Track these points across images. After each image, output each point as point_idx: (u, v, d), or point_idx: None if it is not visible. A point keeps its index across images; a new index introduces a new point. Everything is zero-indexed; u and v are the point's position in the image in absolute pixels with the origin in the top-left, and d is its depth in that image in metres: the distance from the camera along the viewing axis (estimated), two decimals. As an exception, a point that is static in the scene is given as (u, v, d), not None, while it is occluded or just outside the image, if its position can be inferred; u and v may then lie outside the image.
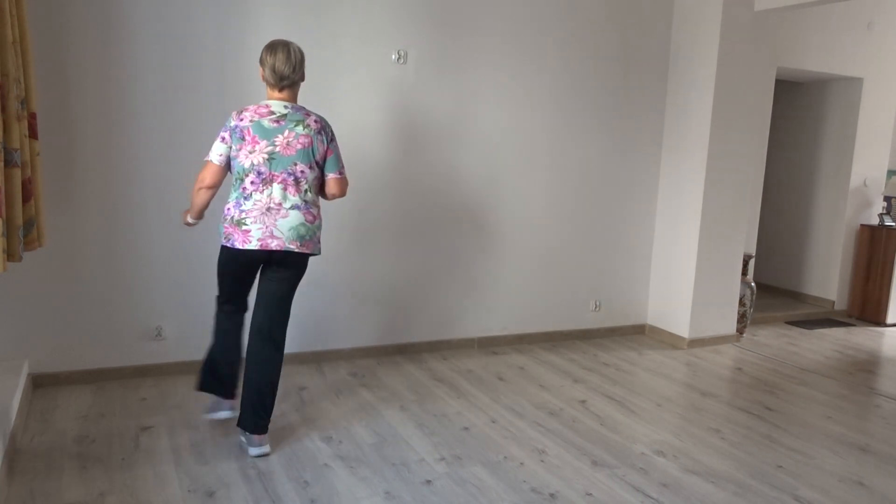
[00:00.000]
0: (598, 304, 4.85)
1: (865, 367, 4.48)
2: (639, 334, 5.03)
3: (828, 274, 6.07)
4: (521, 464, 2.82)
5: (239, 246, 2.69)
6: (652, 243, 4.99)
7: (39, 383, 3.43)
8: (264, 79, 2.75)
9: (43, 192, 3.28)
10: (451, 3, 4.05)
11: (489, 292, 4.47)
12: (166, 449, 2.81)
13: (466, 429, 3.16)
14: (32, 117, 2.86)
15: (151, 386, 3.52)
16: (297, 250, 2.75)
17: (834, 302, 6.00)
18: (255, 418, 2.78)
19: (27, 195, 2.77)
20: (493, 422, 3.26)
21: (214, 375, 3.01)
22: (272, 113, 2.71)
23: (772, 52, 5.17)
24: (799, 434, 3.28)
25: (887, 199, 6.09)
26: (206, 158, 2.76)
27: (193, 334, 3.71)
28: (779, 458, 3.00)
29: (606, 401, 3.61)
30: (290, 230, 2.71)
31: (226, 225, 2.73)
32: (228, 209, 2.73)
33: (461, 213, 4.29)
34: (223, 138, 2.72)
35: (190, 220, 2.93)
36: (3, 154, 2.40)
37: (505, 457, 2.88)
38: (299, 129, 2.72)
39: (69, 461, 2.68)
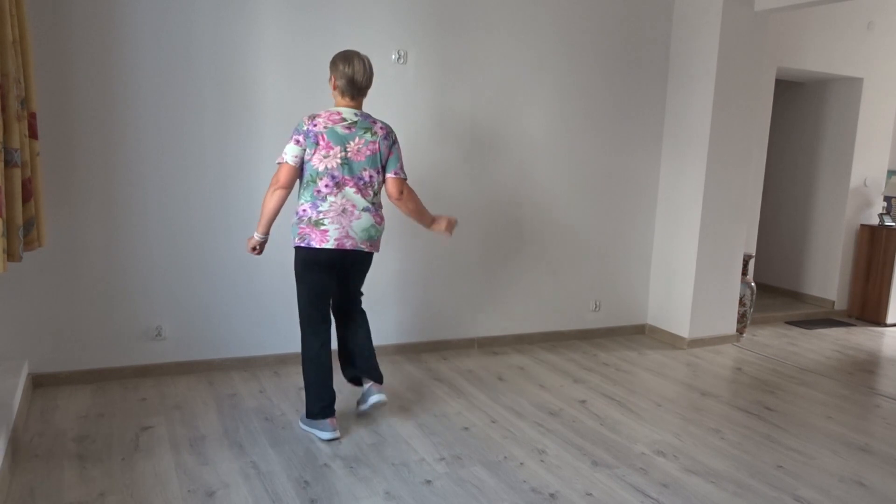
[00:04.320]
0: (598, 304, 4.85)
1: (865, 367, 4.48)
2: (639, 334, 5.03)
3: (828, 274, 6.07)
4: (521, 464, 2.82)
5: (316, 245, 2.83)
6: (652, 243, 4.99)
7: (39, 383, 3.43)
8: (336, 87, 2.88)
9: (43, 192, 3.28)
10: (450, 3, 4.05)
11: (489, 292, 4.47)
12: (166, 449, 2.81)
13: (466, 429, 3.16)
14: (32, 117, 2.86)
15: (151, 386, 3.52)
16: (366, 250, 2.96)
17: (834, 302, 6.00)
18: (378, 369, 3.15)
19: (27, 195, 2.77)
20: (493, 422, 3.26)
21: (323, 399, 2.99)
22: (344, 120, 2.85)
23: (772, 52, 5.17)
24: (799, 434, 3.28)
25: (887, 199, 6.09)
26: (279, 161, 2.83)
27: (193, 334, 3.71)
28: (779, 458, 3.00)
29: (606, 401, 3.61)
30: (362, 231, 2.89)
31: (301, 226, 2.85)
32: (304, 210, 2.84)
33: (460, 212, 4.28)
34: (297, 141, 2.81)
35: (258, 237, 2.91)
36: (3, 154, 2.40)
37: (505, 457, 2.88)
38: (368, 135, 2.88)
39: (69, 461, 2.68)
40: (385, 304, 4.16)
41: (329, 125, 2.82)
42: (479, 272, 4.41)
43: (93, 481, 2.53)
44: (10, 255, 2.63)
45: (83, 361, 3.51)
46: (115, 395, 3.39)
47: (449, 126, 4.17)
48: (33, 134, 2.87)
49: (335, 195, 2.83)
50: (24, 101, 2.75)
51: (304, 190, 2.87)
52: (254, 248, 2.95)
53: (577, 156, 4.59)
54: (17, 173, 2.59)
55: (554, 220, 4.59)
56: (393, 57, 3.95)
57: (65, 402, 3.27)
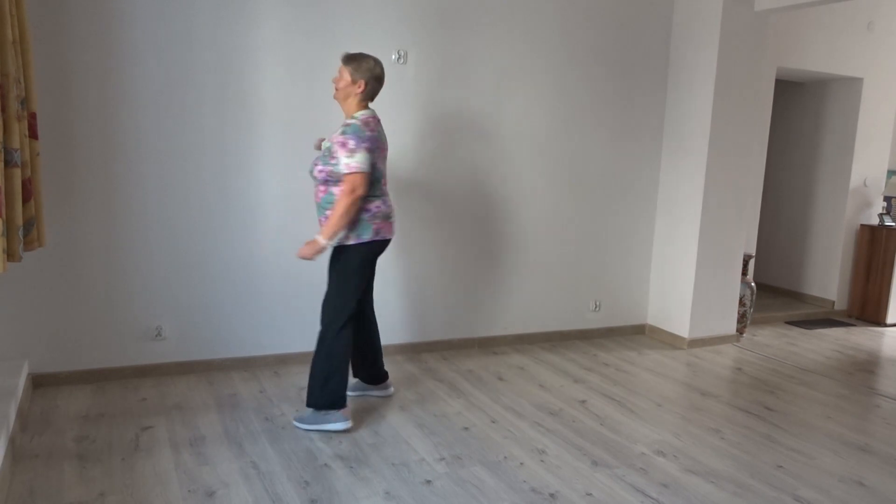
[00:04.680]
0: (598, 304, 4.85)
1: (865, 367, 4.48)
2: (639, 334, 5.03)
3: (828, 274, 6.07)
4: (521, 464, 2.82)
5: (389, 236, 3.10)
6: (652, 243, 4.99)
7: (39, 383, 3.43)
8: (364, 88, 2.97)
9: (43, 192, 3.28)
10: (450, 3, 4.05)
11: (489, 292, 4.46)
12: (166, 449, 2.81)
13: (466, 429, 3.16)
14: (32, 117, 2.86)
15: (151, 386, 3.53)
16: None
17: (834, 302, 6.00)
18: (383, 367, 3.48)
19: (27, 195, 2.77)
20: (493, 422, 3.26)
21: (342, 389, 3.06)
22: (379, 122, 3.07)
23: (772, 52, 5.17)
24: (799, 434, 3.28)
25: (887, 199, 6.09)
26: (355, 170, 2.87)
27: (193, 334, 3.71)
28: (779, 458, 3.00)
29: (606, 401, 3.61)
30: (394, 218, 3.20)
31: (377, 221, 3.02)
32: (377, 207, 3.03)
33: (460, 213, 4.28)
34: (368, 149, 2.91)
35: (326, 242, 2.91)
36: (3, 154, 2.40)
37: (505, 457, 2.88)
38: (384, 133, 3.16)
39: (69, 461, 2.68)
40: (385, 304, 4.15)
41: (379, 129, 3.03)
42: (480, 272, 4.41)
43: (93, 481, 2.53)
44: (10, 255, 2.63)
45: (83, 361, 3.51)
46: (115, 395, 3.39)
47: (449, 126, 4.17)
48: (33, 134, 2.87)
49: (386, 191, 3.12)
50: (24, 101, 2.75)
51: (370, 189, 2.99)
52: (314, 256, 2.94)
53: (578, 155, 4.59)
54: (17, 173, 2.59)
55: (554, 220, 4.59)
56: (393, 57, 3.95)
57: (65, 402, 3.27)
